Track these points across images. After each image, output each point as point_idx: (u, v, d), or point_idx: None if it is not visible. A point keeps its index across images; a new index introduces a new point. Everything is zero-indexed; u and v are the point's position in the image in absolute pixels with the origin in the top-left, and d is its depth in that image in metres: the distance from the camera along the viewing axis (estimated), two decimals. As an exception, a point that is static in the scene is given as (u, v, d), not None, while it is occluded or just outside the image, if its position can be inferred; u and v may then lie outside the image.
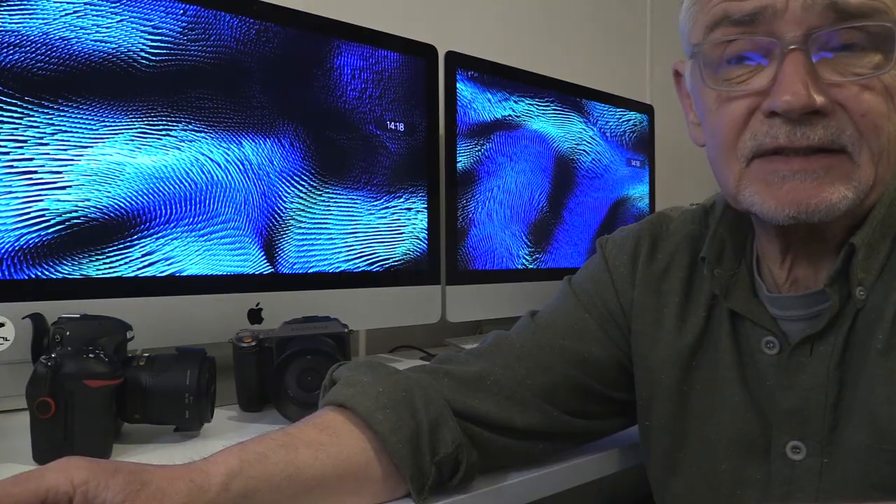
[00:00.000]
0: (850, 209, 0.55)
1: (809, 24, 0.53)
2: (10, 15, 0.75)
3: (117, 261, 0.82)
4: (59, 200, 0.77)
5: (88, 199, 0.79)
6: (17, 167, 0.75)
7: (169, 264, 0.85)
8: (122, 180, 0.82)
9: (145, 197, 0.83)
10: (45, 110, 0.77)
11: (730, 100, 0.58)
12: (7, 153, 0.75)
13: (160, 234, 0.85)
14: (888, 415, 0.55)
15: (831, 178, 0.55)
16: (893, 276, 0.58)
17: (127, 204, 0.82)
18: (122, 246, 0.82)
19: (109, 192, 0.81)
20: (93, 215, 0.80)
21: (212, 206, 0.89)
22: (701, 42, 0.59)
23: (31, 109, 0.76)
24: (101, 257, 0.80)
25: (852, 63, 0.54)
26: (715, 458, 0.64)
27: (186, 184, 0.86)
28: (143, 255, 0.83)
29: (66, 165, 0.78)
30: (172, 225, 0.85)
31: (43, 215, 0.77)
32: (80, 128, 0.79)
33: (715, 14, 0.57)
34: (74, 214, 0.78)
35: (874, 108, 0.54)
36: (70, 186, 0.78)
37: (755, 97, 0.56)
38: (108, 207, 0.81)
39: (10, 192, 0.75)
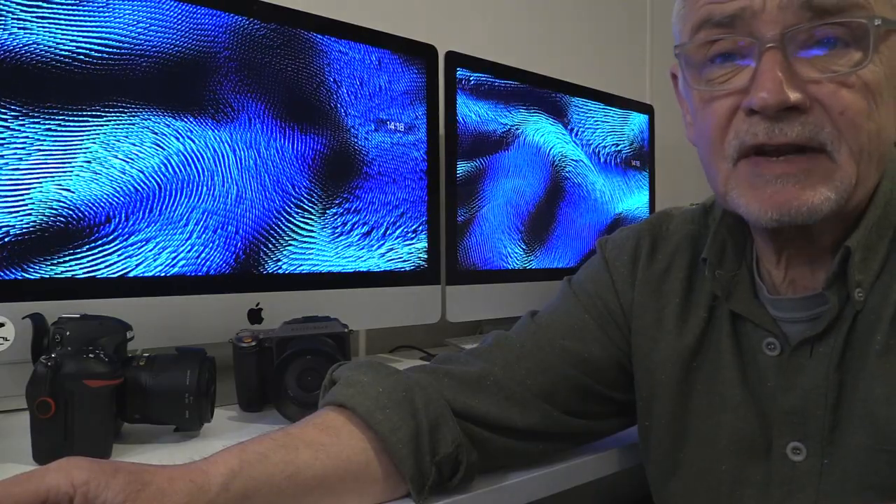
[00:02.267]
0: (834, 210, 0.55)
1: (786, 23, 0.54)
2: None
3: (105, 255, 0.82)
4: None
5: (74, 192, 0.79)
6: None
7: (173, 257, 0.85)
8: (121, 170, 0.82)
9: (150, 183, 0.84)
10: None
11: (713, 99, 0.59)
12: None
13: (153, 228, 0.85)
14: (887, 416, 0.55)
15: (812, 181, 0.55)
16: (892, 276, 0.58)
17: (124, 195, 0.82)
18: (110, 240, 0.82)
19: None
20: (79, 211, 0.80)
21: (207, 205, 0.89)
22: (685, 43, 0.60)
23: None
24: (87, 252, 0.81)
25: (831, 61, 0.54)
26: (715, 459, 0.64)
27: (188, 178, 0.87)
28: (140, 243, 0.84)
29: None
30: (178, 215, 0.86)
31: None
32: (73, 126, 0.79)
33: (700, 16, 0.58)
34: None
35: (852, 106, 0.54)
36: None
37: (736, 96, 0.57)
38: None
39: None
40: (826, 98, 0.54)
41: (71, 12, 0.78)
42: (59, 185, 0.77)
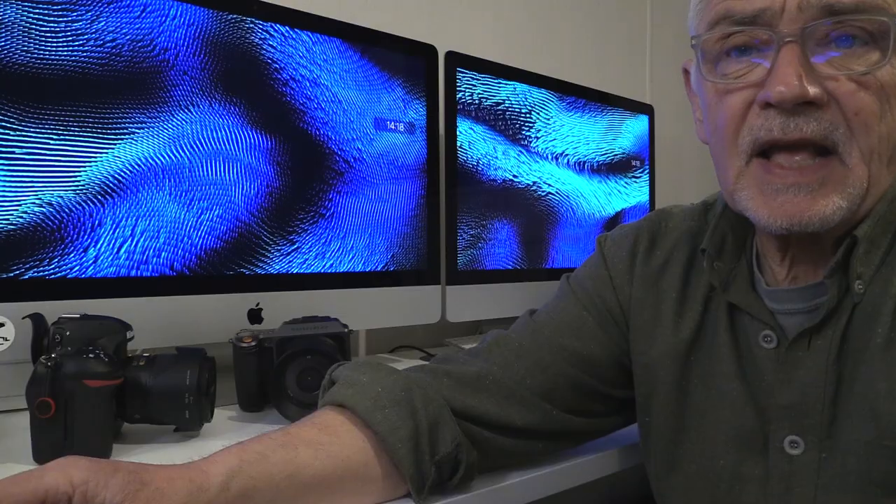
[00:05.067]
0: (846, 217, 0.56)
1: (805, 21, 0.54)
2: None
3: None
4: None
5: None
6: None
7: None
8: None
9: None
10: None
11: (728, 92, 0.59)
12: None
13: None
14: (889, 410, 0.55)
15: (826, 190, 0.55)
16: (891, 270, 0.58)
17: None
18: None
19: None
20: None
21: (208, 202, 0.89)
22: (702, 34, 0.60)
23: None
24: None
25: (850, 60, 0.54)
26: (714, 453, 0.64)
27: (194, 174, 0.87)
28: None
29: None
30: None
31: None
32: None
33: (718, 11, 0.58)
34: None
35: (867, 107, 0.54)
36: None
37: (752, 90, 0.57)
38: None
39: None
40: (843, 97, 0.54)
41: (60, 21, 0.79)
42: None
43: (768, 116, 0.56)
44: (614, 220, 1.47)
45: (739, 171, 0.59)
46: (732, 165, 0.59)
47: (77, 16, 0.79)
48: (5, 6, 0.74)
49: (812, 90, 0.53)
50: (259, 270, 0.93)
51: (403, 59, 1.09)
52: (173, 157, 0.85)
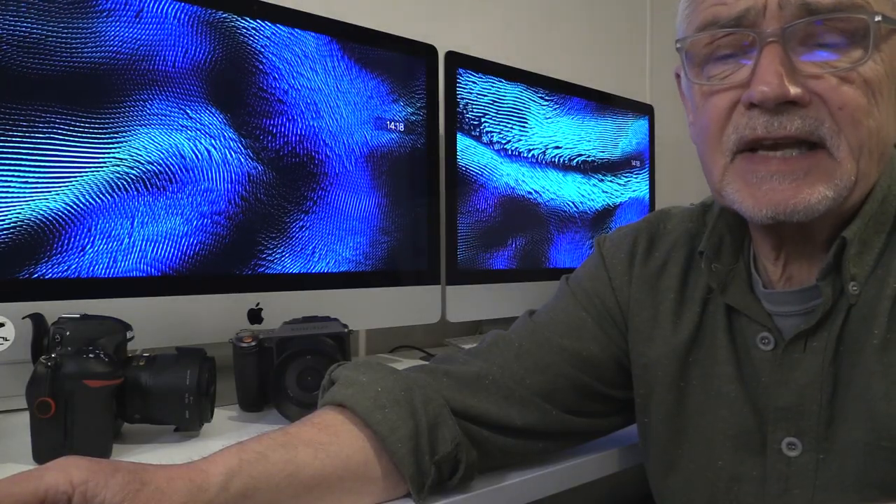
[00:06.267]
0: (831, 208, 0.56)
1: (786, 20, 0.54)
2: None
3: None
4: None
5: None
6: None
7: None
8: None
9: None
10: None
11: (713, 94, 0.59)
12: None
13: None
14: (886, 411, 0.55)
15: (812, 179, 0.55)
16: (887, 271, 0.58)
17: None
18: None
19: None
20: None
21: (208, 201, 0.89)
22: (688, 37, 0.60)
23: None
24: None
25: (832, 58, 0.55)
26: (712, 454, 0.64)
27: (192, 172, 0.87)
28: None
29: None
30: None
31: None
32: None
33: (705, 17, 0.58)
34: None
35: (852, 101, 0.54)
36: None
37: (737, 90, 0.57)
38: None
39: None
40: (825, 93, 0.54)
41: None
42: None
43: (752, 116, 0.56)
44: (614, 221, 1.48)
45: (724, 168, 0.59)
46: (717, 163, 0.60)
47: (78, 17, 0.79)
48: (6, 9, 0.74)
49: (793, 90, 0.54)
50: (259, 271, 0.93)
51: (403, 59, 1.09)
52: (174, 159, 0.86)
